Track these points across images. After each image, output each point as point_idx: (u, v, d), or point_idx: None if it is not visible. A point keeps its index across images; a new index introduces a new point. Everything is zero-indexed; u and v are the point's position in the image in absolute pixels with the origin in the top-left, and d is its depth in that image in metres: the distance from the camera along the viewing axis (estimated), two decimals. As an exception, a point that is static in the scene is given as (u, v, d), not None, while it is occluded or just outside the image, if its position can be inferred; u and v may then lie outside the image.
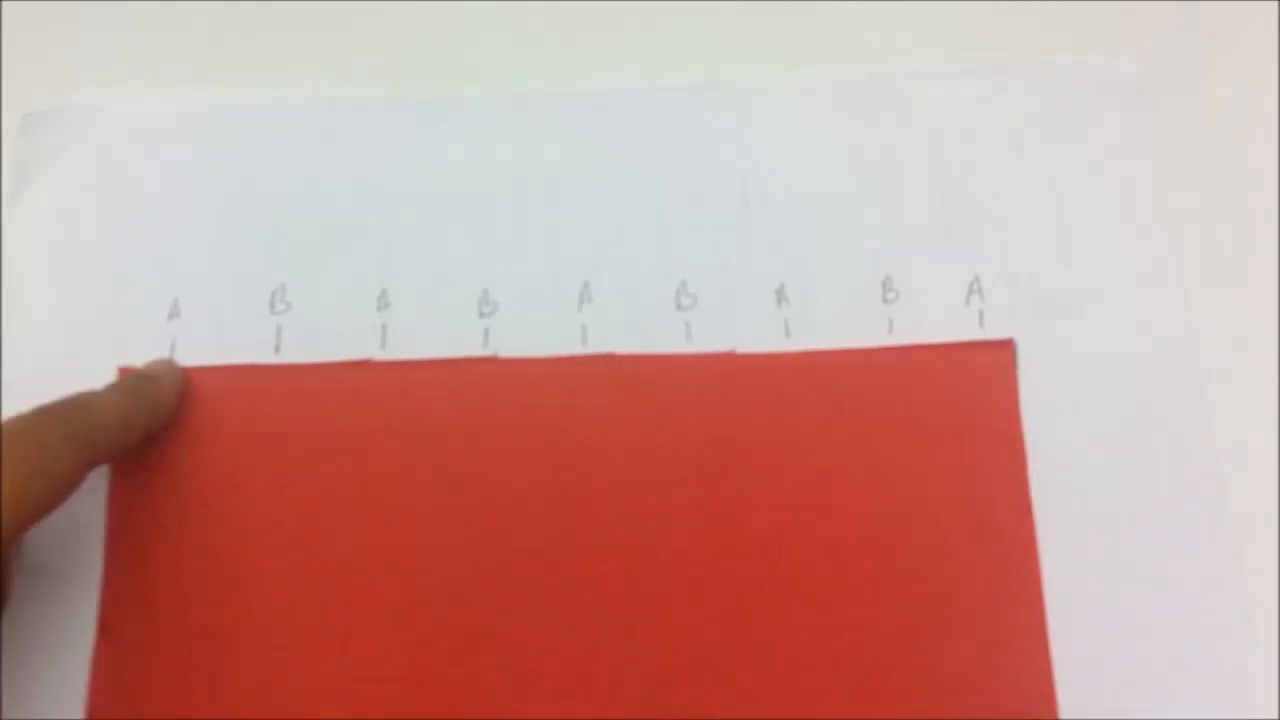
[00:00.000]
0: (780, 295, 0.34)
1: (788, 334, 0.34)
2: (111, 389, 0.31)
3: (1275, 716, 0.30)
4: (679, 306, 0.34)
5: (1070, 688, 0.30)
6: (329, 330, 0.34)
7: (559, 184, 0.36)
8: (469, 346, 0.34)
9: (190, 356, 0.34)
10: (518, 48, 0.38)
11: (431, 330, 0.34)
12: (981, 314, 0.34)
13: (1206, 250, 0.34)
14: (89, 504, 0.32)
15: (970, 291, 0.34)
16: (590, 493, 0.32)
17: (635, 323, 0.34)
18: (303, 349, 0.33)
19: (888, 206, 0.35)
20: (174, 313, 0.34)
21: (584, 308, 0.34)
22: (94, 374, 0.32)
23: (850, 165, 0.35)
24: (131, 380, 0.32)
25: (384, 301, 0.34)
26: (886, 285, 0.34)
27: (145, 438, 0.32)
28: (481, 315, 0.34)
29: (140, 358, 0.34)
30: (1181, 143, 0.35)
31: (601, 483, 0.32)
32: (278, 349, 0.34)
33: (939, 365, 0.33)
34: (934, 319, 0.34)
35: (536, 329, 0.34)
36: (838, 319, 0.34)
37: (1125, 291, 0.34)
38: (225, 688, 0.30)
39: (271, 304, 0.34)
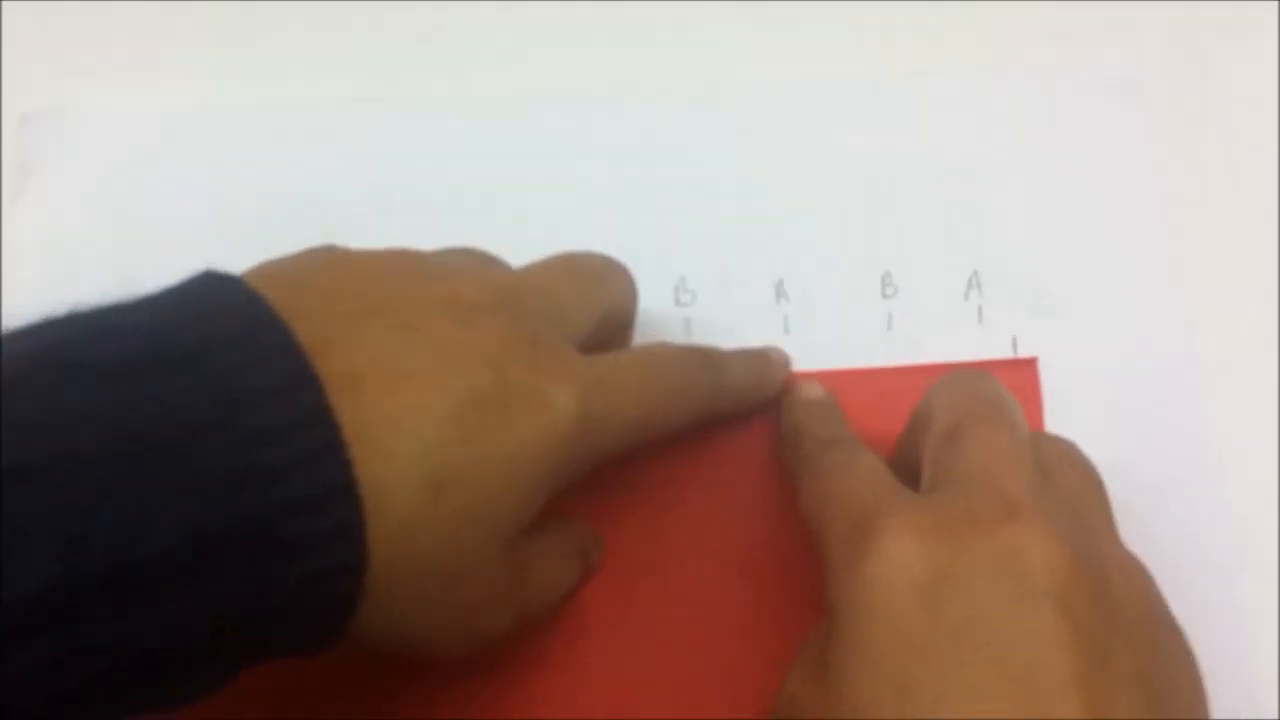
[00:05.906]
0: (779, 291, 0.34)
1: (787, 330, 0.34)
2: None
3: (1275, 717, 0.30)
4: (678, 303, 0.34)
5: None
6: (328, 329, 0.34)
7: (559, 184, 0.35)
8: (468, 345, 0.34)
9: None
10: (517, 48, 0.38)
11: (431, 329, 0.34)
12: (980, 309, 0.34)
13: (1206, 250, 0.34)
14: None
15: (969, 287, 0.34)
16: (604, 511, 0.31)
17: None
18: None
19: (887, 204, 0.35)
20: (173, 312, 0.34)
21: (583, 306, 0.34)
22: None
23: (850, 164, 0.35)
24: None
25: (383, 301, 0.34)
26: (885, 281, 0.34)
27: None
28: (481, 314, 0.34)
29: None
30: (1181, 143, 0.35)
31: (622, 502, 0.31)
32: (276, 348, 0.34)
33: None
34: (932, 314, 0.34)
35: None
36: (837, 315, 0.34)
37: (1125, 291, 0.34)
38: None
39: (270, 303, 0.34)
